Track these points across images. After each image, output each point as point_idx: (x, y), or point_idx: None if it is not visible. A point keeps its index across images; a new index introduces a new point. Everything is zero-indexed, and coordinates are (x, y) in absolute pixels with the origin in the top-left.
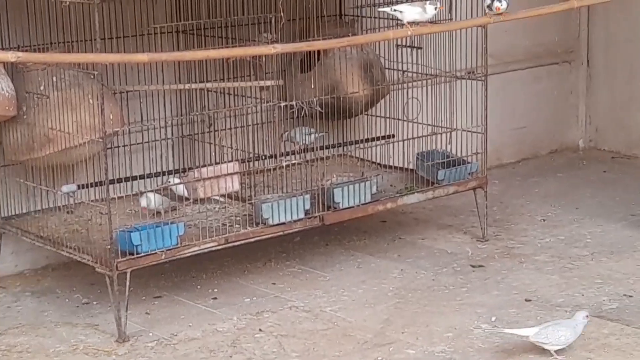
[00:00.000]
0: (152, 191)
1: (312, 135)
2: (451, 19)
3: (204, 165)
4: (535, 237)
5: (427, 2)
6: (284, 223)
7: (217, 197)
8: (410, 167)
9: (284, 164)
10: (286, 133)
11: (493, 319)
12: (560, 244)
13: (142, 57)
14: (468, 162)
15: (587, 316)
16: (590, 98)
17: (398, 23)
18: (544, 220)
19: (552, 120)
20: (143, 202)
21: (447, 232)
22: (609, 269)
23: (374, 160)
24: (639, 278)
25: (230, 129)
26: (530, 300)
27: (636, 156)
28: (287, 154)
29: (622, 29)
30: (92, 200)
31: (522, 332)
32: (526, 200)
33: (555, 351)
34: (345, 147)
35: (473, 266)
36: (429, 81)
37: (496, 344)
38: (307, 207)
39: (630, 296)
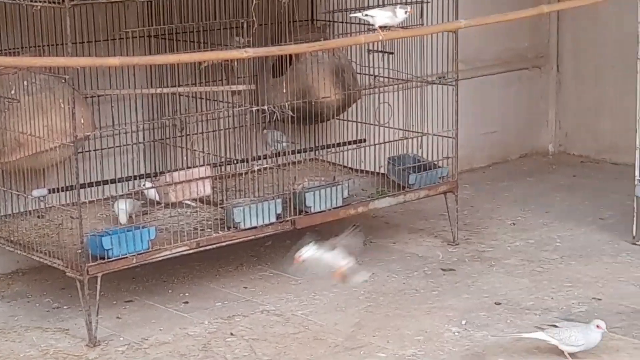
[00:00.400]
0: (122, 196)
1: (283, 143)
2: (422, 24)
3: (176, 170)
4: (506, 240)
5: (398, 6)
6: (255, 227)
7: (188, 202)
8: (382, 171)
9: (256, 168)
10: (265, 131)
11: (463, 322)
12: (530, 248)
13: (114, 61)
14: (439, 167)
15: (598, 326)
16: (560, 103)
17: (369, 28)
18: (514, 224)
19: (522, 125)
20: (119, 214)
21: (418, 236)
22: (578, 273)
23: (345, 164)
24: (608, 281)
25: (202, 133)
26: (500, 304)
27: (605, 161)
28: (259, 158)
29: (591, 35)
30: (63, 205)
31: (537, 334)
32: (496, 204)
33: (569, 353)
34: (316, 152)
35: (444, 270)
36: (400, 86)
37: (466, 347)
38: (279, 211)
39: (599, 299)
